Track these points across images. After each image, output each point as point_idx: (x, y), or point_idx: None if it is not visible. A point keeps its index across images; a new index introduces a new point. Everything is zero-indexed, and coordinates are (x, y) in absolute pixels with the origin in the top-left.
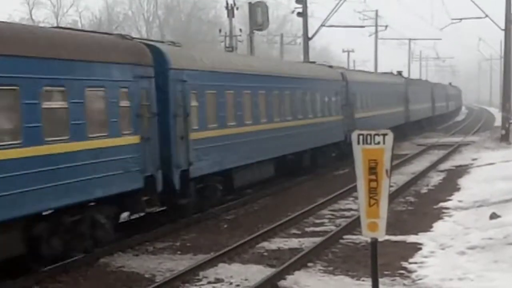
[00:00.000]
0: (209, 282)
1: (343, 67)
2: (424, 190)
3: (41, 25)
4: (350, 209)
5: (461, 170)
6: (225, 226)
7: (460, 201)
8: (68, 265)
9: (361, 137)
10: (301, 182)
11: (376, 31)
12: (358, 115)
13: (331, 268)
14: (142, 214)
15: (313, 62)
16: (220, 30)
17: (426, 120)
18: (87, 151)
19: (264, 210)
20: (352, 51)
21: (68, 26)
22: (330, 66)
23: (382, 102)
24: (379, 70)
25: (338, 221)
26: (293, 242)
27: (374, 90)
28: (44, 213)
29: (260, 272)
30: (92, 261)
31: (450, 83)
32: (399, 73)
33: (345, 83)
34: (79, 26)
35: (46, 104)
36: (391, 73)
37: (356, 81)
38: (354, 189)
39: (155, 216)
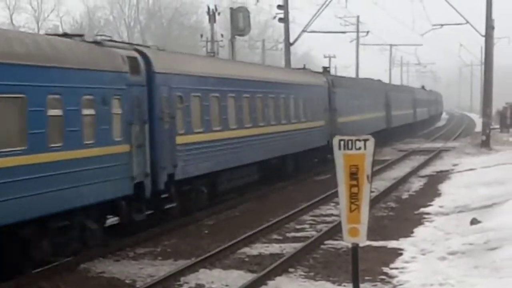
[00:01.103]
0: None
1: (144, 45)
2: (405, 195)
3: (22, 30)
4: (331, 215)
5: (442, 176)
6: (206, 231)
7: (441, 206)
8: (48, 270)
9: (342, 142)
10: (282, 187)
11: (358, 37)
12: (186, 139)
13: (312, 274)
14: None
15: (68, 35)
16: (201, 36)
17: (377, 134)
18: None
19: (245, 215)
20: (334, 56)
21: (49, 31)
22: (98, 43)
23: (266, 114)
24: (360, 76)
25: (319, 226)
26: (274, 248)
27: (237, 94)
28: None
29: (241, 277)
30: (73, 266)
31: (423, 86)
32: (325, 69)
33: (143, 78)
34: (60, 31)
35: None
36: (304, 68)
37: (180, 75)
38: (336, 194)
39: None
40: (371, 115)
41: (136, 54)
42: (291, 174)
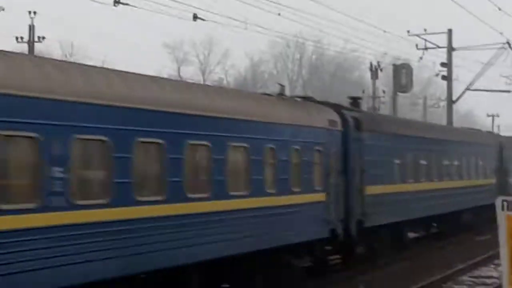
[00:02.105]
0: None
1: None
2: None
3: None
4: (491, 277)
5: None
6: None
7: None
8: None
9: (505, 203)
10: (440, 247)
11: None
12: None
13: None
14: None
15: None
16: (363, 91)
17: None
18: None
19: (401, 273)
20: (497, 115)
21: (214, 83)
22: None
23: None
24: None
25: None
26: None
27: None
28: None
29: None
30: None
31: None
32: (355, 100)
33: None
34: (225, 83)
35: None
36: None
37: None
38: (496, 256)
39: None
40: (457, 183)
41: None
42: None
